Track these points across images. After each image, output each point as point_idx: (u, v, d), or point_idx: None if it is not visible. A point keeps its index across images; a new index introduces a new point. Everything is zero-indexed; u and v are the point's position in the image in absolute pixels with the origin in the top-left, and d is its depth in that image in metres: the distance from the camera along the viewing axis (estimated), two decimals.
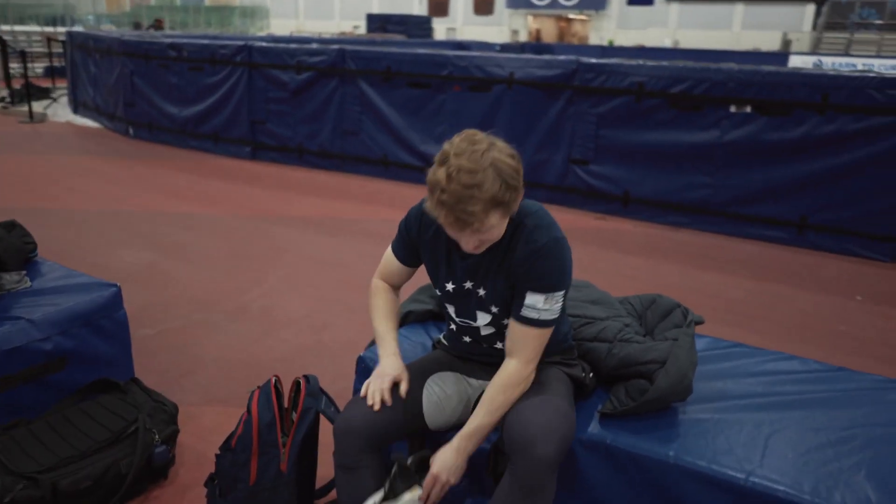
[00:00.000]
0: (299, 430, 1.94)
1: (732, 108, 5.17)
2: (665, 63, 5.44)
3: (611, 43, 28.14)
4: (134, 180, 6.58)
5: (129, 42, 8.35)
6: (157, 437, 2.23)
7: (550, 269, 1.65)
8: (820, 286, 4.33)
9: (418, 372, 1.88)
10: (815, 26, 28.91)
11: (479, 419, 1.69)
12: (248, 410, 1.94)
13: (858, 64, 17.53)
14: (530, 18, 36.78)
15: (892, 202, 4.74)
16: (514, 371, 1.69)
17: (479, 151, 1.52)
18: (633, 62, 5.57)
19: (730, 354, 2.16)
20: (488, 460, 1.85)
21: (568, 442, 1.60)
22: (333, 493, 2.16)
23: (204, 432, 2.57)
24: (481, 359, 1.90)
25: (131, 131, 8.60)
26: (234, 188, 6.38)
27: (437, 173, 1.53)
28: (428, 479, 1.68)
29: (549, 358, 1.84)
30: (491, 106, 6.12)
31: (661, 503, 1.70)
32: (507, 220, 1.62)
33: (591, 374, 1.93)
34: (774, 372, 2.06)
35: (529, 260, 1.65)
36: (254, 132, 7.51)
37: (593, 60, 5.70)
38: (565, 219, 5.64)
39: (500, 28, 36.11)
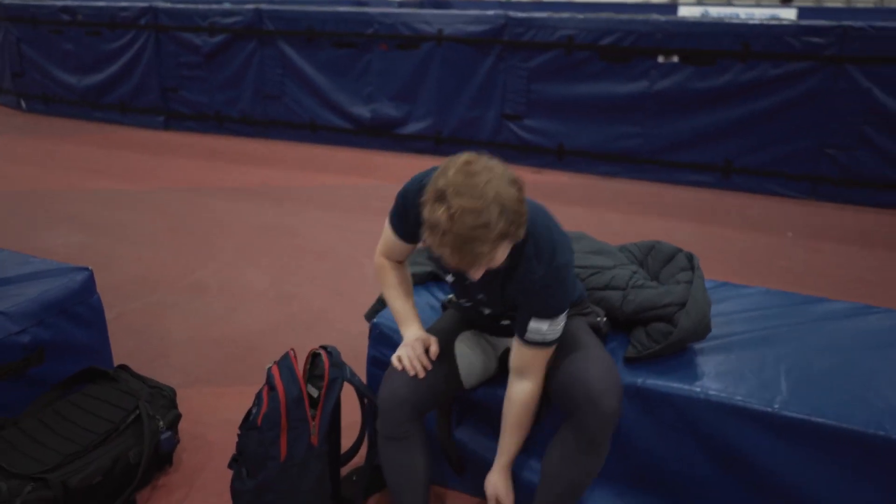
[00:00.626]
0: (328, 401, 1.90)
1: (660, 59, 5.33)
2: (593, 15, 5.53)
3: None
4: (42, 157, 6.09)
5: (11, 6, 7.61)
6: (161, 423, 2.13)
7: (551, 299, 1.61)
8: (752, 226, 4.60)
9: (442, 334, 1.87)
10: None
11: (512, 443, 1.78)
12: (272, 386, 1.88)
13: (741, 13, 18.46)
14: None
15: (808, 143, 5.08)
16: (530, 390, 1.71)
17: (478, 186, 1.38)
18: (562, 15, 5.62)
19: (719, 292, 2.28)
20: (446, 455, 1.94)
21: (622, 390, 1.65)
22: (356, 460, 2.14)
23: (195, 414, 2.47)
24: (491, 328, 1.91)
25: (23, 104, 7.92)
26: (155, 161, 6.02)
27: (435, 213, 1.39)
28: None
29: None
30: (420, 64, 6.03)
31: (693, 440, 1.79)
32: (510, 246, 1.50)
33: (605, 319, 1.98)
34: (767, 306, 2.19)
35: (528, 293, 1.61)
36: (166, 100, 7.08)
37: (521, 15, 5.71)
38: None
39: None
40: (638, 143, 5.56)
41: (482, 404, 1.96)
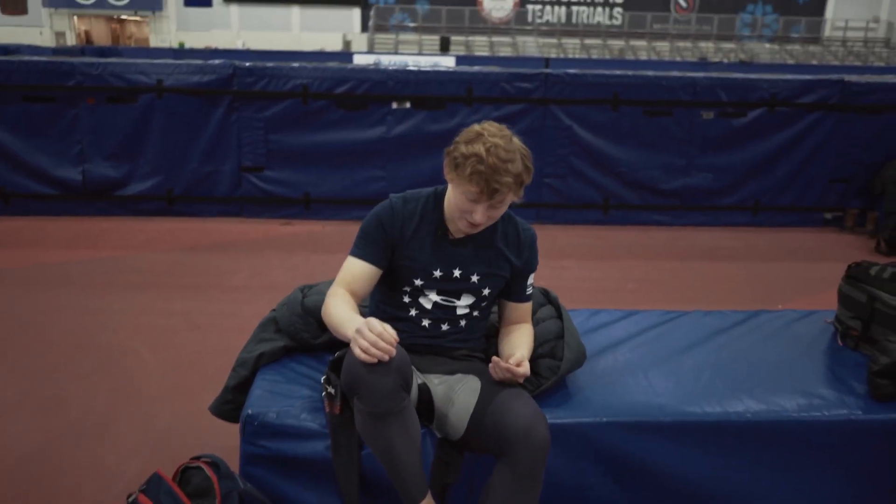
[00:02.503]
0: None
1: (394, 105, 5.58)
2: (327, 64, 5.58)
3: (182, 45, 26.88)
4: None
5: None
6: None
7: (537, 254, 1.98)
8: None
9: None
10: (363, 28, 32.03)
11: (528, 348, 1.88)
12: None
13: (409, 61, 20.13)
14: (76, 19, 32.89)
15: (534, 171, 5.72)
16: (531, 330, 1.98)
17: (507, 137, 1.74)
18: (293, 65, 5.57)
19: (581, 318, 2.46)
20: (432, 473, 1.81)
21: (546, 420, 1.68)
22: None
23: None
24: (424, 347, 1.89)
25: None
26: None
27: (472, 147, 1.69)
28: (514, 367, 1.73)
29: (478, 354, 1.95)
30: (140, 117, 5.47)
31: (597, 464, 1.90)
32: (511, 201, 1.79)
33: None
34: (615, 322, 2.43)
35: (526, 247, 1.93)
36: None
37: (248, 64, 5.52)
38: (248, 230, 5.45)
39: (40, 29, 31.49)
40: (383, 185, 5.71)
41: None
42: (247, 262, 4.68)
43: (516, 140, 1.76)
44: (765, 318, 2.53)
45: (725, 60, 25.25)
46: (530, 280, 1.97)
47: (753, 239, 5.71)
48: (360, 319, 1.66)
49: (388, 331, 1.59)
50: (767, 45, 29.94)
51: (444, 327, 1.90)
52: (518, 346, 1.87)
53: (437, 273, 1.87)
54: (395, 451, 1.63)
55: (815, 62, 25.20)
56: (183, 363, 3.18)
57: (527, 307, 2.00)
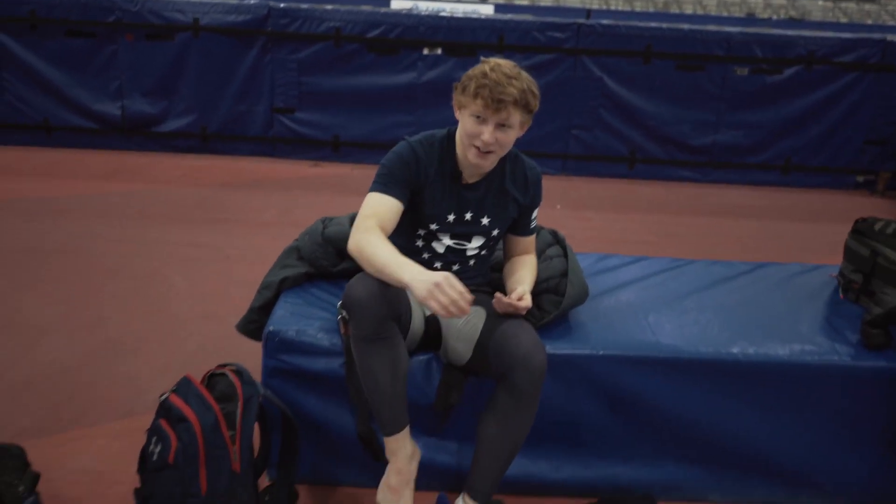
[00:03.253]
0: (246, 422, 1.76)
1: (425, 51, 5.61)
2: (361, 8, 5.60)
3: None
4: None
5: None
6: (21, 487, 1.78)
7: (541, 189, 2.07)
8: None
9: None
10: None
11: (532, 279, 1.98)
12: (180, 418, 1.69)
13: (446, 7, 19.91)
14: None
15: (559, 124, 5.75)
16: (534, 262, 2.08)
17: (512, 64, 1.80)
18: (327, 7, 5.60)
19: (590, 261, 2.56)
20: (437, 394, 1.95)
21: (545, 349, 1.79)
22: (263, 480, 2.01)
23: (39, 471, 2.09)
24: None
25: None
26: None
27: (479, 68, 1.78)
28: (515, 302, 1.81)
29: (485, 288, 2.04)
30: (177, 56, 5.58)
31: (591, 393, 2.02)
32: (518, 135, 1.84)
33: None
34: (623, 266, 2.52)
35: (537, 184, 2.02)
36: None
37: (282, 5, 5.57)
38: (278, 170, 5.58)
39: None
40: (411, 131, 5.66)
41: None
42: (276, 200, 4.83)
43: (524, 72, 1.81)
44: (771, 270, 2.59)
45: (774, 17, 24.39)
46: (534, 215, 2.06)
47: (781, 198, 5.69)
48: (417, 268, 1.62)
49: (466, 293, 1.58)
50: (821, 3, 28.77)
51: (455, 268, 2.00)
52: (521, 280, 1.95)
53: (451, 217, 1.93)
54: (376, 377, 1.73)
55: (869, 21, 24.20)
56: (212, 291, 3.36)
57: (530, 240, 2.09)
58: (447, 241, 1.96)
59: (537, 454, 2.02)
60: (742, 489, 2.14)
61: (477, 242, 1.99)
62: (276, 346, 1.98)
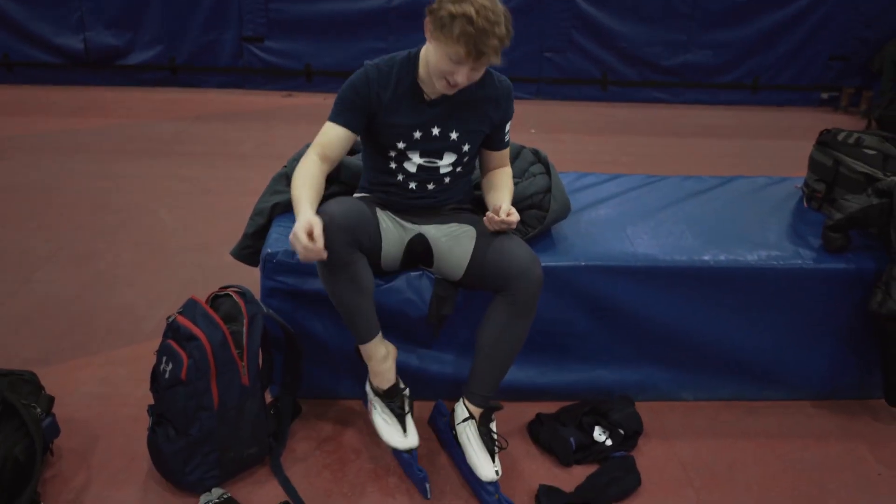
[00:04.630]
0: (252, 338, 1.86)
1: None
2: None
3: None
4: None
5: None
6: (38, 409, 1.88)
7: (513, 102, 2.04)
8: None
9: (357, 205, 1.91)
10: None
11: (509, 196, 2.01)
12: (189, 336, 1.78)
13: None
14: None
15: (532, 47, 5.73)
16: (510, 173, 2.11)
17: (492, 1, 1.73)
18: None
19: (569, 179, 2.65)
20: (430, 307, 2.06)
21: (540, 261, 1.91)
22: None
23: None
24: (416, 207, 2.04)
25: None
26: None
27: (461, 7, 1.68)
28: (506, 218, 1.86)
29: (466, 206, 2.12)
30: None
31: (575, 302, 2.15)
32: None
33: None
34: (601, 183, 2.63)
35: (508, 97, 2.00)
36: None
37: None
38: (251, 101, 5.52)
39: None
40: None
41: None
42: (252, 131, 4.81)
43: (499, 2, 1.76)
44: (740, 183, 2.72)
45: None
46: (507, 128, 2.05)
47: (750, 117, 5.80)
48: (304, 215, 1.70)
49: (312, 243, 1.65)
50: None
51: (430, 187, 2.01)
52: (503, 195, 1.99)
53: (417, 134, 1.93)
54: (343, 299, 1.86)
55: None
56: (199, 222, 3.40)
57: (505, 153, 2.09)
58: (417, 159, 1.96)
59: (525, 361, 2.15)
60: (713, 387, 2.33)
61: (449, 159, 1.99)
62: (274, 268, 2.06)
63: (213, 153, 4.37)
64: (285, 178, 2.36)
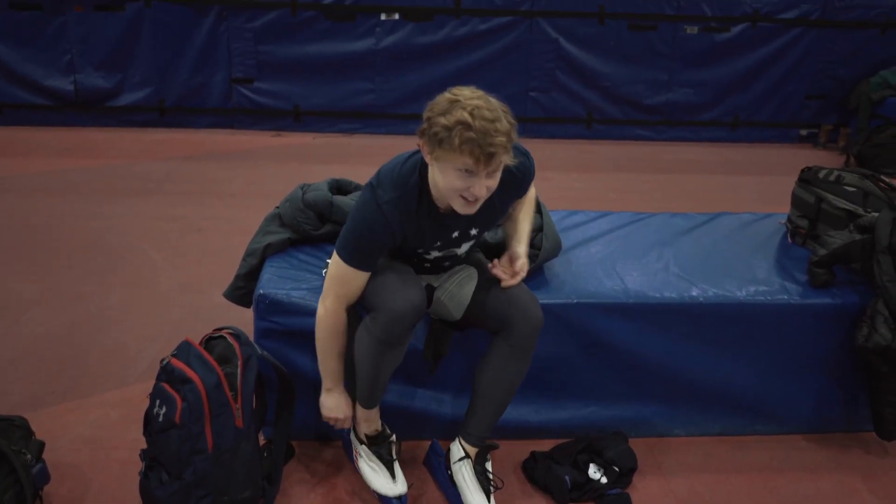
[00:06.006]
0: (246, 380, 1.86)
1: (383, 16, 5.61)
2: None
3: None
4: None
5: None
6: (28, 455, 1.86)
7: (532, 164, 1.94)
8: None
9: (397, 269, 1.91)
10: None
11: (528, 230, 2.02)
12: (184, 380, 1.78)
13: None
14: None
15: (516, 88, 5.84)
16: (532, 202, 2.10)
17: (483, 96, 1.63)
18: None
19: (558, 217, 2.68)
20: (426, 346, 2.07)
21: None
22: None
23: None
24: (426, 272, 2.03)
25: None
26: None
27: (453, 115, 1.57)
28: (512, 264, 1.90)
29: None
30: (129, 26, 5.45)
31: (570, 339, 2.17)
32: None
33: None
34: (590, 221, 2.67)
35: (527, 179, 1.93)
36: None
37: None
38: (240, 141, 5.57)
39: None
40: (372, 98, 5.81)
41: None
42: (241, 171, 4.84)
43: (492, 97, 1.64)
44: (725, 219, 2.77)
45: None
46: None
47: (731, 153, 5.91)
48: (330, 383, 1.94)
49: (340, 421, 1.97)
50: None
51: (446, 264, 2.01)
52: (520, 235, 1.98)
53: (438, 244, 1.90)
54: (378, 372, 1.87)
55: None
56: (189, 262, 3.40)
57: (529, 195, 2.06)
58: (436, 254, 1.94)
59: (519, 399, 2.15)
60: (704, 422, 2.35)
61: (466, 246, 1.97)
62: (267, 308, 2.07)
63: (202, 192, 4.39)
64: (278, 218, 2.38)
